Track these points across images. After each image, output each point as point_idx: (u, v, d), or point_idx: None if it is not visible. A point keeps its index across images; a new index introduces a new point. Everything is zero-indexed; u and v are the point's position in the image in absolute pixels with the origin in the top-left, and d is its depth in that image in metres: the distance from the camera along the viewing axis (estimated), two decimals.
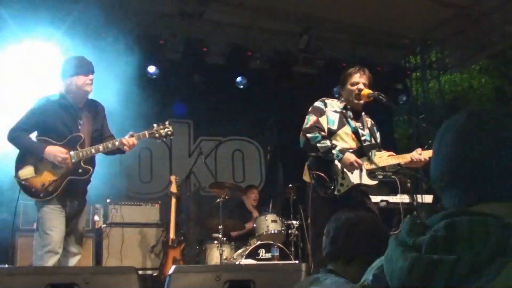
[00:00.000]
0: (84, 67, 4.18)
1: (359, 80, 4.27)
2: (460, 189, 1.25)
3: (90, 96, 4.35)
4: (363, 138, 4.27)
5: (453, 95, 15.02)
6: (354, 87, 4.26)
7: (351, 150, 4.11)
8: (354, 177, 4.13)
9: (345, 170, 4.09)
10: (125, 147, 4.17)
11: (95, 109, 4.35)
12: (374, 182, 4.23)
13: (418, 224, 1.20)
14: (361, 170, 4.14)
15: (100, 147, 4.15)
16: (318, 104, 4.34)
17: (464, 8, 8.19)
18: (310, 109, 4.33)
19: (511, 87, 13.22)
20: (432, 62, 10.19)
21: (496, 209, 1.15)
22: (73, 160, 4.07)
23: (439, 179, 1.29)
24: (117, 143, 4.17)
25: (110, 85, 6.50)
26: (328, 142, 4.07)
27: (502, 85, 13.55)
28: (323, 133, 4.14)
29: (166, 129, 4.36)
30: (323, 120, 4.23)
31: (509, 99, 13.42)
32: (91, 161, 4.21)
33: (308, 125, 4.20)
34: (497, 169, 1.19)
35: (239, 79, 8.64)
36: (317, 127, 4.16)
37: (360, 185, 4.17)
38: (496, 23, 8.31)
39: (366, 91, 4.20)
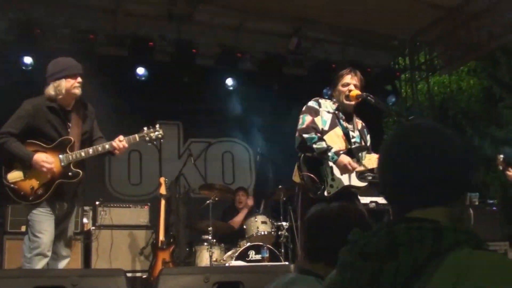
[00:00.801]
0: (72, 70, 4.12)
1: (350, 81, 4.27)
2: (397, 198, 1.36)
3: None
4: (353, 140, 4.26)
5: (442, 97, 15.10)
6: (345, 88, 4.26)
7: (342, 152, 4.12)
8: (344, 179, 4.13)
9: (334, 171, 4.09)
10: (116, 150, 4.16)
11: (84, 111, 4.30)
12: (363, 184, 4.23)
13: (364, 235, 1.29)
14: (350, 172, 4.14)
15: (90, 150, 4.12)
16: (312, 103, 4.32)
17: (453, 10, 8.24)
18: (304, 109, 4.31)
19: (500, 88, 13.29)
20: (421, 64, 10.24)
21: (430, 214, 1.26)
22: (62, 164, 4.04)
23: (382, 191, 1.41)
24: (107, 146, 4.14)
25: (99, 87, 6.48)
26: (324, 144, 4.06)
27: (491, 86, 13.63)
28: (319, 134, 4.13)
29: (157, 133, 4.36)
30: (318, 120, 4.21)
31: (497, 100, 13.51)
32: (81, 164, 4.17)
33: (304, 125, 4.17)
34: (424, 179, 1.29)
35: (228, 80, 8.65)
36: (313, 127, 4.14)
37: (349, 186, 4.17)
38: (484, 25, 8.36)
39: (355, 92, 4.20)
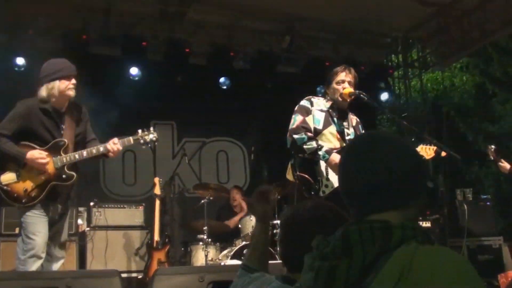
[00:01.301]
0: (67, 71, 4.09)
1: (344, 78, 4.25)
2: (353, 205, 1.44)
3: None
4: (348, 137, 4.24)
5: (435, 93, 15.14)
6: (339, 86, 4.25)
7: (336, 150, 4.11)
8: (338, 178, 4.11)
9: (329, 171, 4.08)
10: (110, 153, 4.15)
11: (78, 112, 4.27)
12: None
13: (325, 240, 1.37)
14: None
15: (84, 152, 4.10)
16: (304, 103, 4.30)
17: (445, 6, 8.26)
18: (296, 108, 4.28)
19: (492, 84, 13.33)
20: (414, 61, 10.27)
21: (384, 217, 1.33)
22: (56, 166, 4.02)
23: (343, 196, 1.48)
24: (101, 148, 4.12)
25: (92, 87, 6.46)
26: (314, 144, 4.04)
27: (483, 82, 13.67)
28: (309, 133, 4.10)
29: (151, 135, 4.34)
30: (309, 120, 4.19)
31: (490, 96, 13.56)
32: (74, 166, 4.15)
33: (294, 126, 4.16)
34: (374, 187, 1.37)
35: (222, 79, 8.65)
36: (304, 127, 4.12)
37: None
38: (477, 22, 8.38)
39: (348, 90, 4.19)
